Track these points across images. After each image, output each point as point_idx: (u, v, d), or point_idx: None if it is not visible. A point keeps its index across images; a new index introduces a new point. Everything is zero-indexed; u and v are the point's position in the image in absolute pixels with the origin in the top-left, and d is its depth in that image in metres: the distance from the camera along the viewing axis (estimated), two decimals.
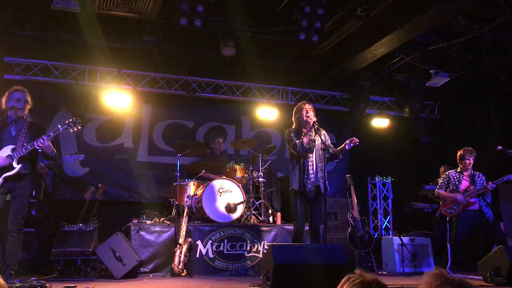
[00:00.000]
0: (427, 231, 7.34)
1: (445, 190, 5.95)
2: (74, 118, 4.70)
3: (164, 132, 8.02)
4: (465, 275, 5.94)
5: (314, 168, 4.85)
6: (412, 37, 6.37)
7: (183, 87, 7.82)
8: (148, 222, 6.18)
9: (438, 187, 6.05)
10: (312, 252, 4.26)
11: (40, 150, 4.57)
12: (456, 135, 8.77)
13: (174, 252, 5.63)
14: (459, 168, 5.98)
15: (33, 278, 4.68)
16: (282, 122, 8.25)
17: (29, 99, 4.71)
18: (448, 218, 5.92)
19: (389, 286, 4.50)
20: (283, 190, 7.48)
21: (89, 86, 7.34)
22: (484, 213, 5.74)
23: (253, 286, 4.49)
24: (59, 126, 4.61)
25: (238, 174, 6.88)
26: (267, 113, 8.17)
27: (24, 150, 4.46)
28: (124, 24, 6.68)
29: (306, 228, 5.04)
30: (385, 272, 6.54)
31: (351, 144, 4.87)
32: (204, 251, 5.98)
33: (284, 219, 6.72)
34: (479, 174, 5.94)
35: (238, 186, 6.44)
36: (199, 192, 6.38)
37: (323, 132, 4.97)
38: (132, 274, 5.44)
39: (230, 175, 6.82)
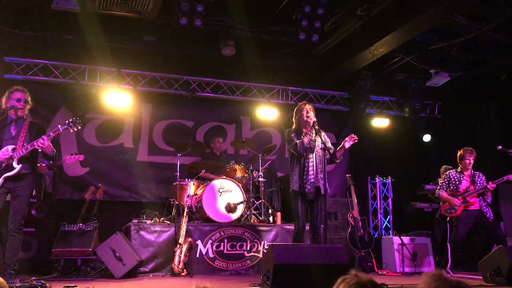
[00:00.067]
0: (427, 231, 7.34)
1: (446, 190, 5.96)
2: (74, 118, 4.70)
3: (164, 132, 8.02)
4: (465, 275, 5.96)
5: (314, 169, 4.85)
6: (412, 37, 6.37)
7: (183, 87, 7.81)
8: (148, 222, 6.19)
9: (438, 187, 6.05)
10: (312, 252, 4.26)
11: (40, 150, 4.56)
12: (456, 135, 8.78)
13: (174, 252, 5.63)
14: (459, 168, 5.99)
15: (33, 278, 4.68)
16: (282, 122, 8.26)
17: (29, 99, 4.71)
18: (448, 218, 5.92)
19: (389, 286, 4.50)
20: (283, 190, 7.48)
21: (89, 86, 7.34)
22: (484, 213, 5.75)
23: (253, 286, 4.49)
24: (59, 126, 4.61)
25: (238, 174, 6.89)
26: (267, 112, 8.17)
27: (24, 150, 4.46)
28: (124, 24, 6.67)
29: (307, 228, 5.04)
30: (385, 272, 6.54)
31: (351, 142, 4.88)
32: (204, 251, 5.98)
33: (284, 219, 6.72)
34: (479, 174, 5.94)
35: (238, 186, 6.44)
36: (199, 192, 6.38)
37: (323, 133, 4.99)
38: (132, 274, 5.45)
39: (230, 175, 6.82)
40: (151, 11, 6.16)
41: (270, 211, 6.96)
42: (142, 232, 5.92)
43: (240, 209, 6.36)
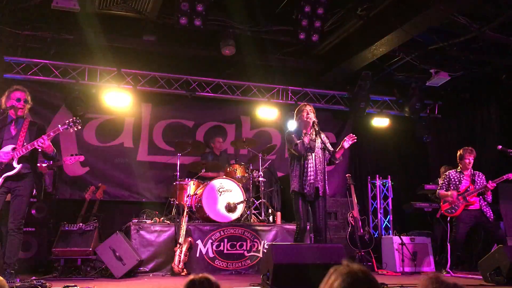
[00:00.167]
0: (427, 231, 7.34)
1: (446, 191, 5.96)
2: (74, 118, 4.70)
3: (164, 132, 8.02)
4: (465, 275, 5.96)
5: (314, 170, 4.85)
6: (412, 36, 6.37)
7: (183, 87, 7.81)
8: (148, 221, 6.18)
9: (439, 187, 6.05)
10: (312, 252, 4.26)
11: (40, 150, 4.56)
12: (456, 134, 8.78)
13: (174, 252, 5.63)
14: (459, 167, 5.99)
15: (33, 278, 4.67)
16: (282, 121, 8.26)
17: (29, 98, 4.71)
18: (448, 218, 5.92)
19: (389, 285, 4.50)
20: (283, 189, 7.49)
21: (89, 86, 7.34)
22: (484, 212, 5.74)
23: (253, 286, 4.49)
24: (59, 126, 4.61)
25: (238, 174, 6.89)
26: (267, 112, 8.16)
27: (24, 150, 4.46)
28: (124, 23, 6.67)
29: (308, 228, 5.05)
30: (385, 272, 6.54)
31: (350, 142, 4.89)
32: (204, 251, 5.98)
33: (284, 219, 6.72)
34: (479, 173, 5.94)
35: (238, 185, 6.44)
36: (199, 191, 6.38)
37: (323, 135, 5.00)
38: (132, 273, 5.45)
39: (230, 175, 6.82)
40: (151, 11, 6.16)
41: (270, 210, 6.96)
42: (142, 232, 5.92)
43: (240, 208, 6.35)
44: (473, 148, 5.94)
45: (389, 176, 8.37)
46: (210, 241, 6.03)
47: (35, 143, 4.44)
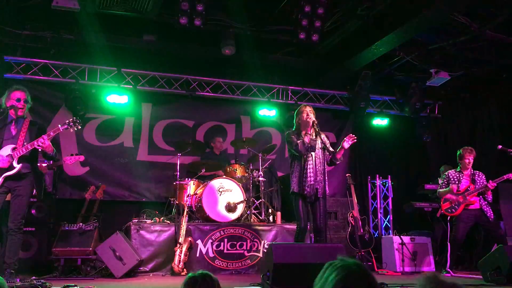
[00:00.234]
0: (427, 230, 7.35)
1: None
2: (74, 118, 4.71)
3: (164, 131, 8.01)
4: (465, 275, 5.96)
5: (314, 171, 4.85)
6: (412, 36, 6.37)
7: (183, 86, 7.81)
8: (148, 221, 6.19)
9: (439, 187, 6.06)
10: (312, 252, 4.26)
11: (40, 150, 4.56)
12: (456, 134, 8.78)
13: (174, 251, 5.63)
14: (459, 167, 5.99)
15: (33, 278, 4.66)
16: (282, 121, 8.26)
17: (29, 98, 4.71)
18: (448, 217, 5.92)
19: (389, 285, 4.51)
20: (283, 189, 7.48)
21: (89, 85, 7.34)
22: (484, 212, 5.74)
23: (253, 286, 4.50)
24: (59, 125, 4.61)
25: (238, 174, 6.89)
26: (267, 112, 8.16)
27: (24, 150, 4.46)
28: (124, 23, 6.66)
29: (308, 228, 5.05)
30: (385, 272, 6.54)
31: (350, 142, 4.88)
32: (204, 250, 5.98)
33: (284, 218, 6.72)
34: (479, 173, 5.94)
35: (238, 185, 6.44)
36: (199, 191, 6.38)
37: (323, 135, 5.00)
38: (132, 273, 5.45)
39: (230, 175, 6.83)
40: (151, 10, 6.15)
41: (270, 210, 6.96)
42: (142, 232, 5.92)
43: (240, 208, 6.36)
44: (473, 148, 5.95)
45: (389, 176, 8.36)
46: (210, 241, 6.03)
47: (35, 142, 4.44)
